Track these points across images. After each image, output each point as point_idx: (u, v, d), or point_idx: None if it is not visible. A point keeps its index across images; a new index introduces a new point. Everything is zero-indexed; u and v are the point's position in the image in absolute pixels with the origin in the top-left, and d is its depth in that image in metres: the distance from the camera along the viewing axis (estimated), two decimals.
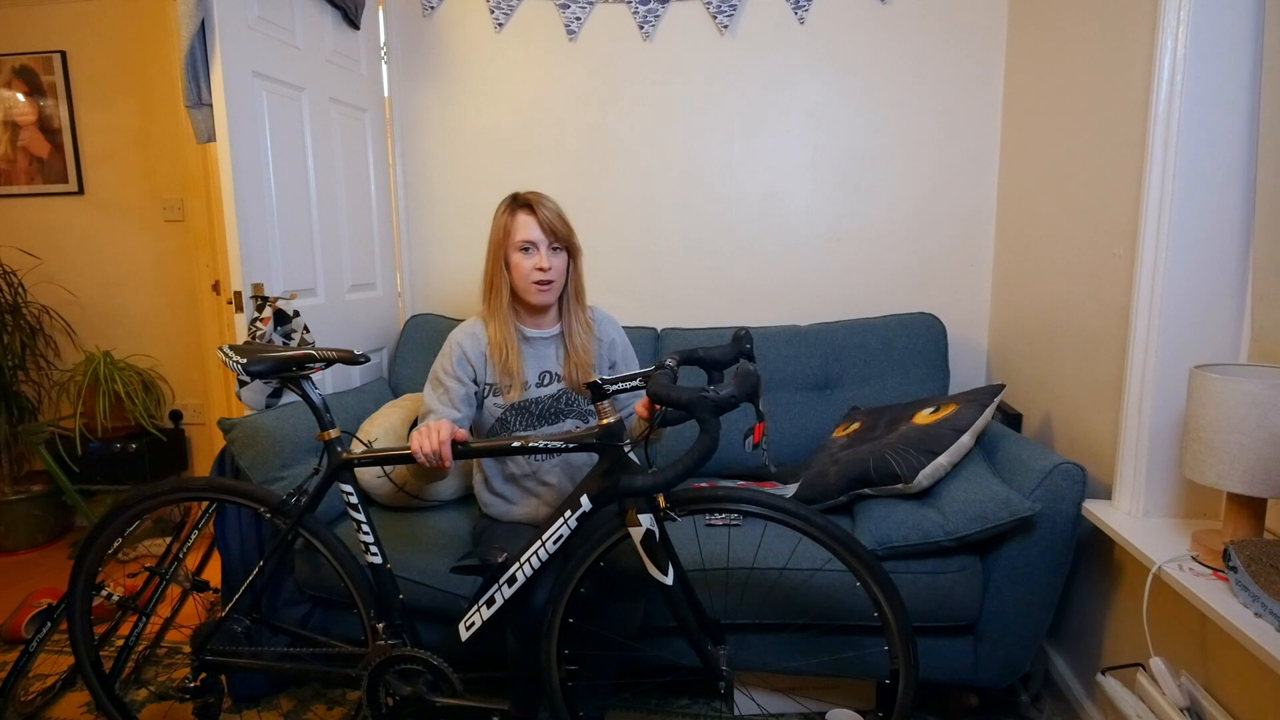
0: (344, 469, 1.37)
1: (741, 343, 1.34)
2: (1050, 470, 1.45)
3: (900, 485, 1.57)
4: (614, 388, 1.28)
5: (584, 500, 1.29)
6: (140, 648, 1.97)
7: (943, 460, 1.56)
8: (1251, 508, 1.14)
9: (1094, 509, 1.44)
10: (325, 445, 1.37)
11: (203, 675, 1.45)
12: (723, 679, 1.32)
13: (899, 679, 1.27)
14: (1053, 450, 1.59)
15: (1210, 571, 1.15)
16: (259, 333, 1.78)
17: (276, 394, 1.88)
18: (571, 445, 1.28)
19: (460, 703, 1.36)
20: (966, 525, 1.45)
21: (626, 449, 1.28)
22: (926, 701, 1.73)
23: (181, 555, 1.94)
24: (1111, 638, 1.51)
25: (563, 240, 1.48)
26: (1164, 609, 1.30)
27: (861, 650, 1.55)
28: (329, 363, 1.38)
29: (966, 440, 1.58)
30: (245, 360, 1.32)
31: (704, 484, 1.93)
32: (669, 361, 1.24)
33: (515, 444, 1.29)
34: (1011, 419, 1.91)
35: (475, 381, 1.53)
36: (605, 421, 1.27)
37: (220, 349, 1.38)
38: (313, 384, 1.38)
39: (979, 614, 1.52)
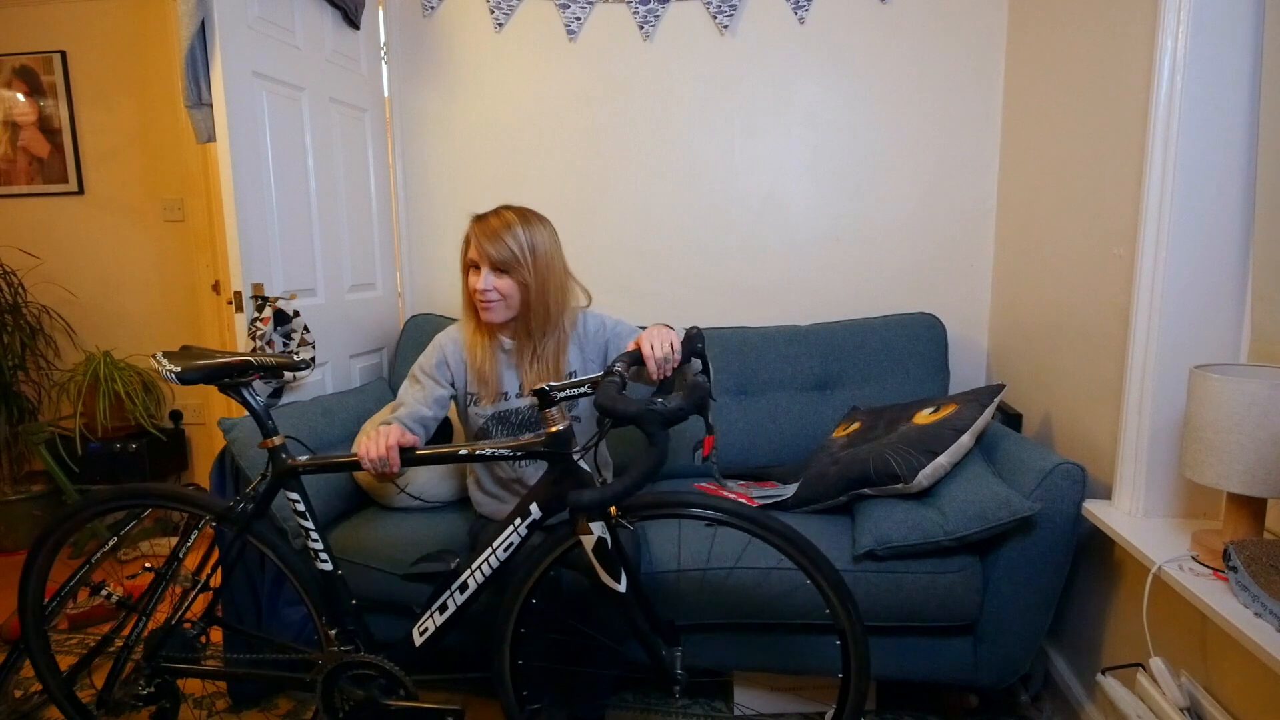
0: (289, 476, 1.37)
1: (693, 342, 1.32)
2: (1050, 470, 1.45)
3: (900, 485, 1.57)
4: (561, 394, 1.26)
5: (533, 508, 1.30)
6: (140, 649, 1.96)
7: (943, 460, 1.56)
8: (1251, 508, 1.14)
9: (1094, 509, 1.44)
10: (269, 453, 1.36)
11: (156, 681, 1.46)
12: (677, 681, 1.34)
13: (849, 680, 1.29)
14: (1053, 450, 1.59)
15: (1210, 571, 1.15)
16: (259, 333, 1.78)
17: (276, 394, 1.88)
18: (519, 454, 1.29)
19: (413, 705, 1.37)
20: (966, 525, 1.45)
21: (575, 457, 1.29)
22: (926, 701, 1.72)
23: (181, 555, 1.94)
24: (1111, 638, 1.51)
25: (501, 266, 1.44)
26: (1164, 609, 1.30)
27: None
28: (268, 370, 1.37)
29: (966, 440, 1.58)
30: (179, 368, 1.30)
31: (706, 483, 1.93)
32: (618, 366, 1.24)
33: (462, 451, 1.31)
34: (1011, 419, 1.91)
35: (454, 386, 1.55)
36: (553, 429, 1.27)
37: (153, 356, 1.35)
38: (252, 391, 1.37)
39: (979, 614, 1.52)
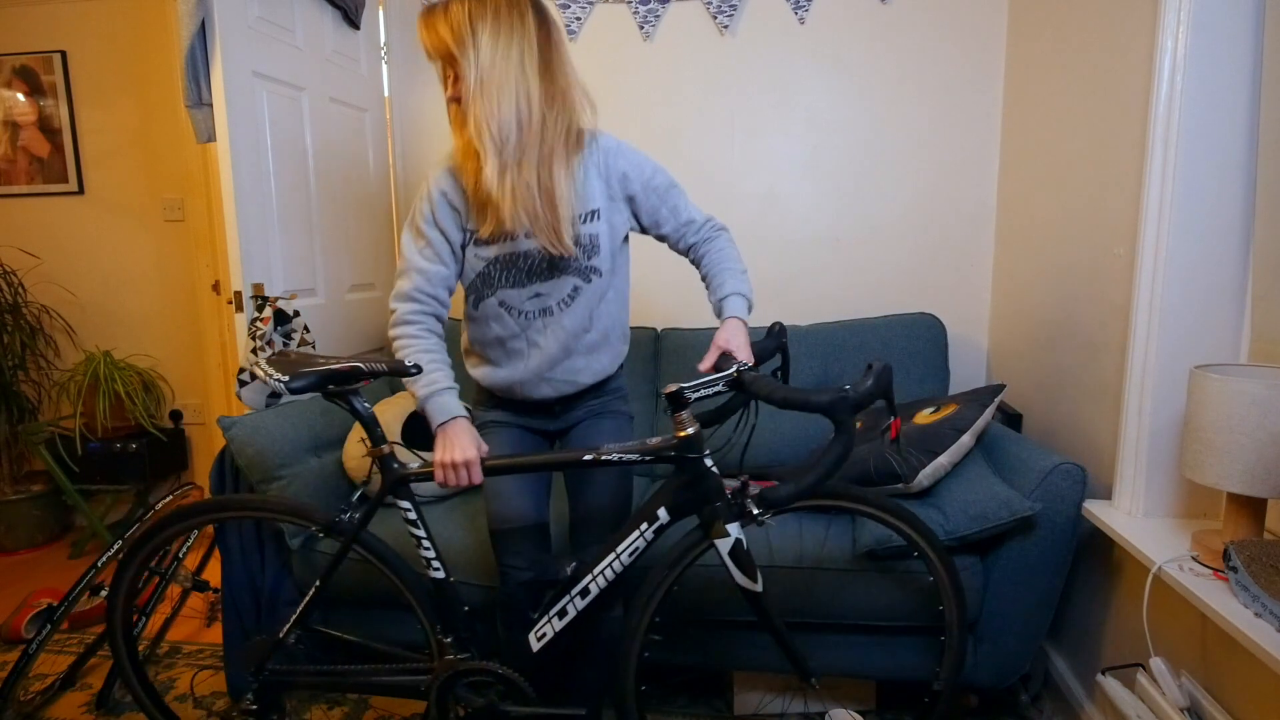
0: (399, 485, 1.28)
1: (777, 337, 1.30)
2: (1050, 470, 1.45)
3: (900, 485, 1.57)
4: (696, 395, 1.17)
5: (662, 513, 1.23)
6: (141, 647, 1.97)
7: (943, 460, 1.56)
8: (1251, 508, 1.14)
9: (1094, 509, 1.44)
10: (379, 461, 1.27)
11: (263, 696, 1.39)
12: (814, 675, 1.35)
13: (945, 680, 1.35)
14: (1053, 450, 1.58)
15: (1210, 571, 1.15)
16: (259, 333, 1.78)
17: (276, 395, 1.88)
18: (648, 458, 1.21)
19: (536, 710, 1.31)
20: (967, 525, 1.45)
21: (707, 461, 1.22)
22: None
23: (181, 555, 1.94)
24: (1111, 638, 1.51)
25: (445, 58, 1.22)
26: (1164, 609, 1.30)
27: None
28: (377, 375, 1.26)
29: (967, 440, 1.58)
30: (288, 377, 1.19)
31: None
32: (740, 358, 1.19)
33: (586, 456, 1.21)
34: (1011, 419, 1.91)
35: (461, 229, 1.30)
36: (683, 434, 1.20)
37: (254, 364, 1.27)
38: (360, 397, 1.27)
39: (979, 614, 1.52)
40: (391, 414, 1.88)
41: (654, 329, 2.29)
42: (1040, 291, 1.90)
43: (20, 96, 2.86)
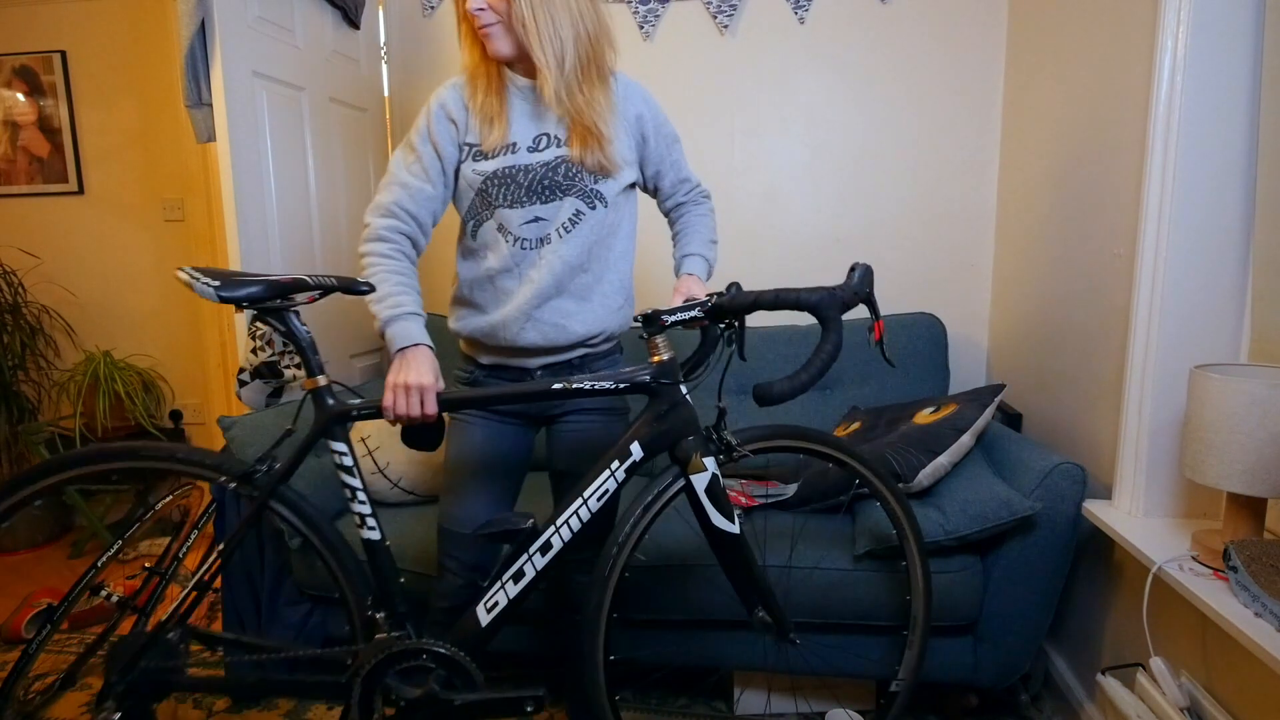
0: (335, 423, 1.15)
1: (863, 280, 1.14)
2: (1050, 470, 1.45)
3: (901, 485, 1.57)
4: (673, 318, 1.13)
5: (634, 448, 1.15)
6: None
7: (943, 460, 1.56)
8: (1251, 508, 1.14)
9: (1094, 509, 1.44)
10: (311, 394, 1.14)
11: (129, 702, 1.16)
12: (792, 629, 1.28)
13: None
14: (1053, 450, 1.59)
15: (1210, 571, 1.15)
16: (259, 332, 1.78)
17: (277, 394, 1.88)
18: (621, 385, 1.14)
19: (486, 696, 1.15)
20: (967, 525, 1.45)
21: (682, 389, 1.16)
22: (926, 701, 1.72)
23: (181, 555, 1.94)
24: (1111, 638, 1.51)
25: None
26: (1164, 609, 1.30)
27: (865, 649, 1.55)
28: (326, 290, 1.15)
29: (967, 440, 1.58)
30: (218, 282, 1.06)
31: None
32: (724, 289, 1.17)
33: (555, 385, 1.13)
34: (1011, 419, 1.91)
35: (458, 145, 1.24)
36: (659, 359, 1.15)
37: (183, 270, 1.08)
38: (299, 319, 1.15)
39: (979, 614, 1.52)
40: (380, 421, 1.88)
41: None
42: (1040, 291, 1.90)
43: (20, 96, 2.86)
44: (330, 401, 1.15)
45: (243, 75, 1.79)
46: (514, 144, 1.23)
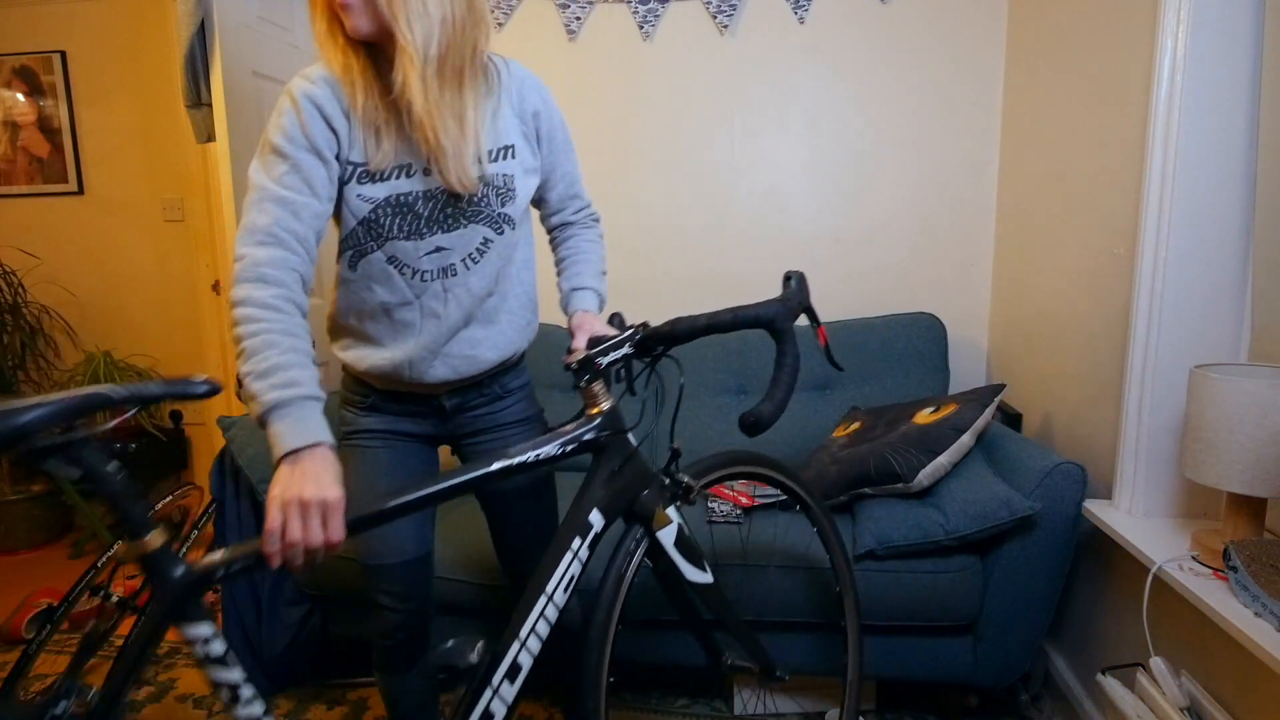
0: (189, 597, 0.80)
1: (796, 292, 1.10)
2: (1050, 470, 1.45)
3: (900, 485, 1.57)
4: (608, 359, 0.99)
5: (595, 518, 0.98)
6: None
7: (943, 460, 1.56)
8: (1251, 508, 1.14)
9: (1094, 509, 1.44)
10: (144, 564, 0.78)
11: None
12: (780, 670, 1.22)
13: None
14: (1053, 450, 1.59)
15: (1210, 571, 1.15)
16: None
17: None
18: (568, 449, 0.98)
19: None
20: (967, 524, 1.45)
21: (631, 438, 1.03)
22: (926, 701, 1.72)
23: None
24: (1111, 638, 1.51)
25: None
26: (1164, 609, 1.30)
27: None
28: (143, 402, 0.83)
29: (967, 440, 1.58)
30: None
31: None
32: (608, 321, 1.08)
33: (495, 465, 0.91)
34: (1011, 419, 1.91)
35: (338, 158, 0.99)
36: (602, 407, 1.01)
37: None
38: (102, 454, 0.77)
39: (979, 614, 1.52)
40: None
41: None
42: (1040, 291, 1.90)
43: (20, 96, 2.86)
44: (177, 571, 0.77)
45: (242, 75, 1.79)
46: (408, 164, 1.01)
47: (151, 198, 2.88)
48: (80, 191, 2.90)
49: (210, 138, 1.77)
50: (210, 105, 1.75)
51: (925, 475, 1.55)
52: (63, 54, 2.82)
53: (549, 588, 0.93)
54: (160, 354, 2.95)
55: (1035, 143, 1.95)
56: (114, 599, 1.67)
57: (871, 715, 1.66)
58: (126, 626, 1.77)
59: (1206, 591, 1.09)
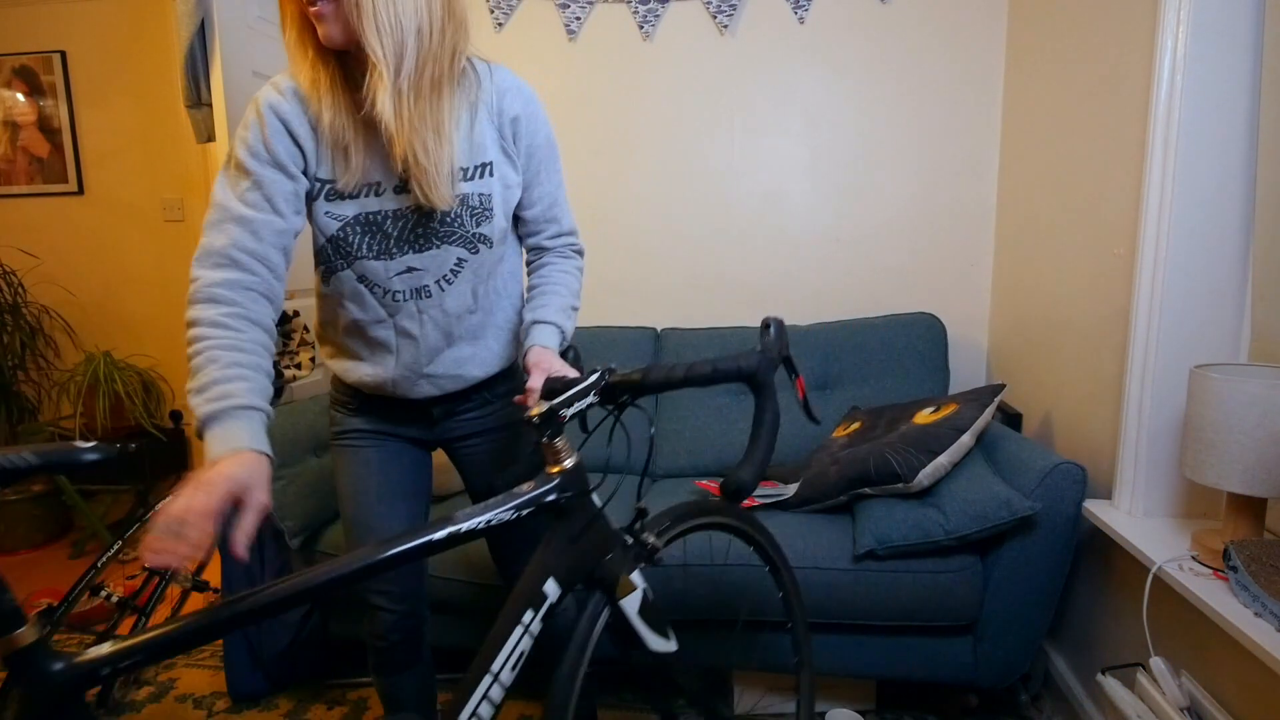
0: (68, 697, 0.64)
1: (775, 338, 1.01)
2: (1050, 470, 1.45)
3: (900, 485, 1.57)
4: (572, 410, 0.89)
5: (550, 587, 0.88)
6: None
7: (943, 460, 1.56)
8: (1251, 508, 1.14)
9: (1094, 509, 1.44)
10: (8, 663, 0.64)
11: None
12: None
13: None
14: (1053, 450, 1.59)
15: (1210, 571, 1.15)
16: None
17: (277, 394, 1.88)
18: (525, 512, 0.87)
19: None
20: (967, 524, 1.45)
21: (595, 499, 0.95)
22: (926, 701, 1.72)
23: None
24: (1111, 638, 1.51)
25: None
26: (1164, 609, 1.30)
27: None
28: (20, 473, 0.69)
29: (967, 440, 1.58)
30: None
31: (706, 481, 1.93)
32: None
33: (438, 534, 0.80)
34: (1011, 419, 1.91)
35: (305, 173, 0.97)
36: (564, 466, 0.91)
37: None
38: None
39: (979, 614, 1.52)
40: None
41: (653, 329, 2.29)
42: (1040, 291, 1.90)
43: (20, 96, 2.86)
44: (55, 666, 0.64)
45: (242, 75, 1.79)
46: (378, 182, 0.98)
47: (151, 198, 2.88)
48: (80, 191, 2.90)
49: (210, 138, 1.77)
50: (210, 105, 1.75)
51: (925, 475, 1.55)
52: (63, 54, 2.82)
53: (494, 667, 0.83)
54: (160, 354, 2.95)
55: (1035, 143, 1.95)
56: (114, 599, 1.67)
57: (871, 715, 1.66)
58: (127, 627, 1.77)
59: (1206, 591, 1.09)
